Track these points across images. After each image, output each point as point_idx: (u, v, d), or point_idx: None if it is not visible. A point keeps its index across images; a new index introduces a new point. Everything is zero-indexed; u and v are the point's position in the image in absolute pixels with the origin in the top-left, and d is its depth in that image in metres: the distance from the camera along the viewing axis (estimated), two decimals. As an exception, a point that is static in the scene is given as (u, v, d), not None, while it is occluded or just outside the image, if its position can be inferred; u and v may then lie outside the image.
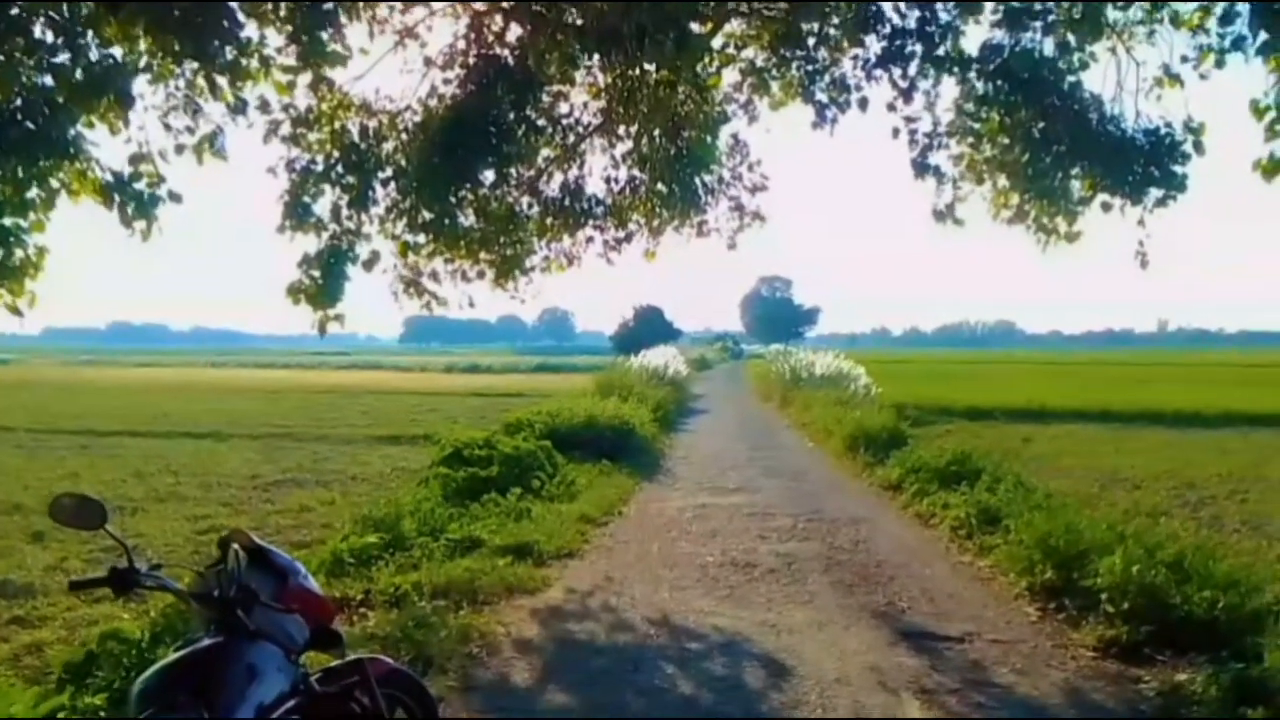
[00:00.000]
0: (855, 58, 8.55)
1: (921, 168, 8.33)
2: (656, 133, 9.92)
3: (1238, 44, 7.39)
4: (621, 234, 10.66)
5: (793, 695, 4.98)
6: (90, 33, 5.56)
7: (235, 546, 2.76)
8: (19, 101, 5.82)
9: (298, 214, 8.79)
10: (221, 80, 6.25)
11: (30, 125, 5.60)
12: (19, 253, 6.29)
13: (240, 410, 24.65)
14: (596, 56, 8.76)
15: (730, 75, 9.87)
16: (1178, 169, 7.55)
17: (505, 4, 8.62)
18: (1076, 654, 5.72)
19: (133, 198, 6.25)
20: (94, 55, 5.85)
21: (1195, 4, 7.70)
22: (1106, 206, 7.86)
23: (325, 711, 2.87)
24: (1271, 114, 6.94)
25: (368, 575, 7.11)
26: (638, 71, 9.20)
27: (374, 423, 21.25)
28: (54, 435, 18.22)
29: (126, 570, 2.70)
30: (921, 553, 8.47)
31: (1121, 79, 7.98)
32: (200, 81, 6.68)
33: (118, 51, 5.78)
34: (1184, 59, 7.80)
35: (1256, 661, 4.99)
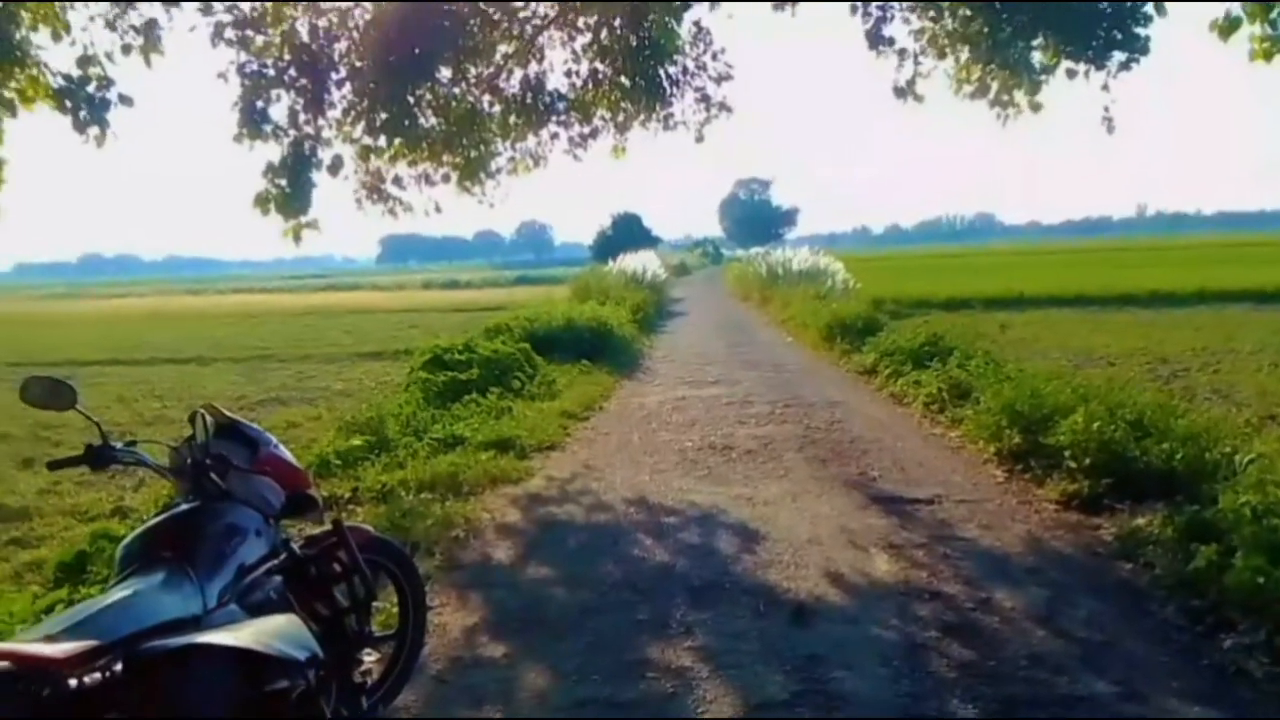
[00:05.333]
0: (814, -69, 8.38)
1: (876, 40, 8.24)
2: (616, 22, 9.71)
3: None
4: (587, 130, 10.50)
5: (766, 556, 5.18)
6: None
7: (201, 413, 2.83)
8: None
9: (253, 121, 8.61)
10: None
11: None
12: (-21, 165, 6.20)
13: (221, 335, 24.55)
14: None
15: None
16: (1140, 30, 7.49)
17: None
18: (1040, 508, 5.95)
19: (84, 100, 6.14)
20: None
21: None
22: (1071, 73, 7.81)
23: (307, 572, 2.99)
24: (1228, -29, 6.87)
25: (354, 475, 7.24)
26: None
27: (356, 341, 21.22)
28: (34, 367, 18.00)
29: (102, 447, 2.76)
30: (894, 428, 8.68)
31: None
32: None
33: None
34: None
35: (1211, 505, 5.18)
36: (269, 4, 8.16)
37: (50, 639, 1.90)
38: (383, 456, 7.73)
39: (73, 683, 1.81)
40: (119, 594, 2.19)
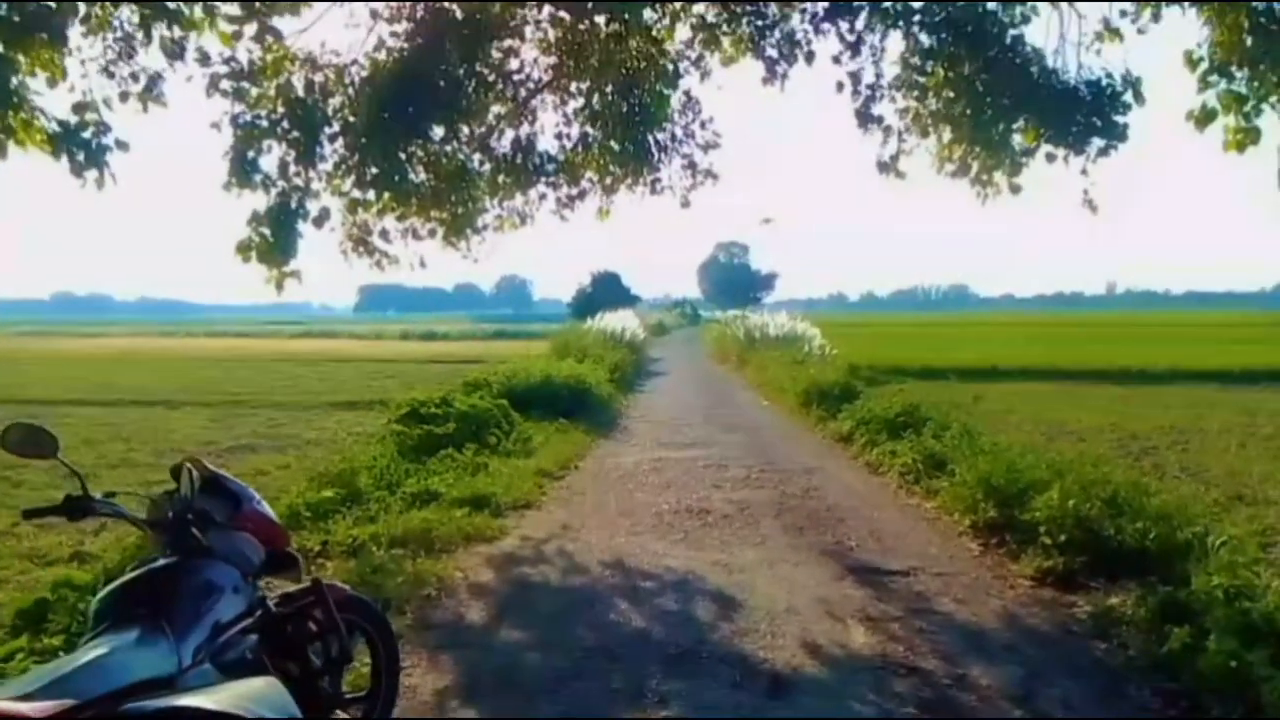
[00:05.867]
0: (804, 11, 8.66)
1: (865, 118, 8.47)
2: (608, 89, 9.92)
3: (1173, -6, 7.60)
4: (574, 191, 10.64)
5: (743, 625, 5.14)
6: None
7: (188, 467, 2.80)
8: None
9: (244, 171, 8.65)
10: (159, 26, 6.16)
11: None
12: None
13: (191, 379, 24.28)
14: (546, 9, 8.76)
15: (682, 32, 9.89)
16: (1119, 119, 7.76)
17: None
18: (1015, 583, 5.96)
19: (80, 146, 6.16)
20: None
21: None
22: (1050, 157, 8.07)
23: (283, 631, 2.94)
24: (1204, 65, 7.17)
25: (325, 528, 7.13)
26: (588, 25, 9.18)
27: (330, 389, 21.05)
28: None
29: (81, 498, 2.72)
30: (870, 497, 8.71)
31: (1064, 31, 8.17)
32: (139, 33, 6.61)
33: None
34: (1123, 13, 8.03)
35: (1184, 585, 5.22)
36: (269, 55, 8.24)
37: (27, 697, 1.87)
38: (354, 510, 7.63)
39: None
40: (95, 652, 2.16)
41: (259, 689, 2.18)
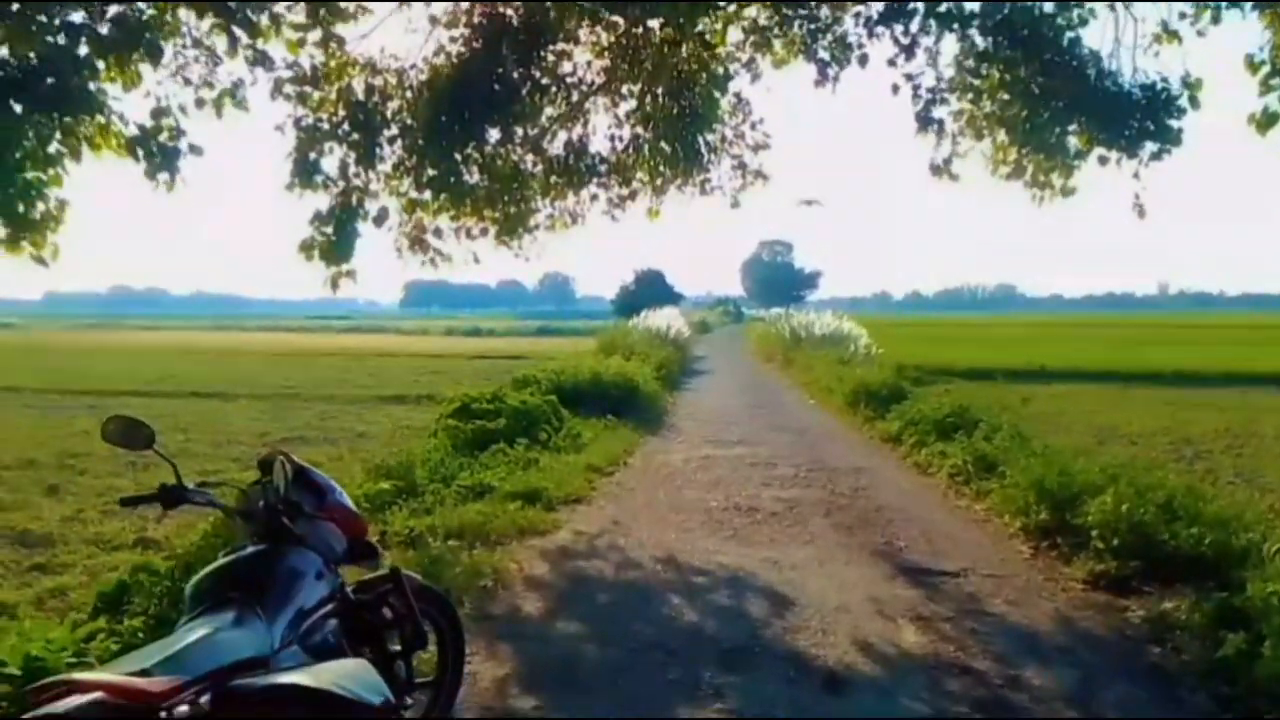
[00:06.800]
0: (857, 15, 8.68)
1: (925, 121, 8.48)
2: (660, 91, 10.04)
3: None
4: (625, 192, 10.77)
5: (795, 622, 5.22)
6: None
7: (281, 459, 2.96)
8: (34, 59, 5.95)
9: (306, 172, 8.92)
10: (240, 33, 6.39)
11: (52, 80, 5.73)
12: (41, 206, 6.44)
13: (246, 372, 24.87)
14: (601, 13, 8.89)
15: (733, 34, 9.94)
16: (1173, 123, 7.70)
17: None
18: (1067, 586, 5.97)
19: (158, 151, 6.41)
20: (111, 13, 5.99)
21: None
22: (1103, 160, 8.01)
23: (361, 617, 3.09)
24: (1266, 69, 7.08)
25: (382, 519, 7.32)
26: (641, 30, 9.29)
27: (379, 384, 21.44)
28: (62, 396, 18.37)
29: (175, 487, 2.89)
30: (920, 498, 8.73)
31: (1120, 34, 8.12)
32: (212, 39, 6.87)
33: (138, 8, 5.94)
34: (1182, 15, 7.94)
35: (1239, 591, 5.19)
36: (333, 61, 8.48)
37: (144, 672, 2.02)
38: (410, 502, 7.82)
39: (164, 715, 1.92)
40: (199, 631, 2.30)
41: (352, 669, 2.31)
